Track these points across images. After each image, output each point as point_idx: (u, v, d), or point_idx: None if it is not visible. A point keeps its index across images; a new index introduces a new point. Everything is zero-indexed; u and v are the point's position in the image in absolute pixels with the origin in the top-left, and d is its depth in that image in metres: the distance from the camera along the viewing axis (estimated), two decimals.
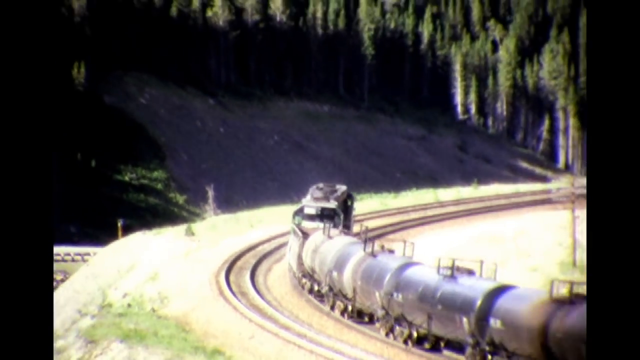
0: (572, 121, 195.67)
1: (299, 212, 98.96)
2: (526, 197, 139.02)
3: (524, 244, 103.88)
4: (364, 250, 76.73)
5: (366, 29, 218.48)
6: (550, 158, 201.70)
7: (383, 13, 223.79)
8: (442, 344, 65.18)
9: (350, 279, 75.95)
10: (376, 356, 64.21)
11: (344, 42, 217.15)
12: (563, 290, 57.48)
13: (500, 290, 60.45)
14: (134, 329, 77.95)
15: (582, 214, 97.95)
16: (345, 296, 77.22)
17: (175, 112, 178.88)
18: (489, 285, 61.85)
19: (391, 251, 78.50)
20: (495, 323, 58.05)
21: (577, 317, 53.10)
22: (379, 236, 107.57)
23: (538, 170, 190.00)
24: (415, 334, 66.00)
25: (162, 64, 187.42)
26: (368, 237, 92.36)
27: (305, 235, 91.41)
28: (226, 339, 71.30)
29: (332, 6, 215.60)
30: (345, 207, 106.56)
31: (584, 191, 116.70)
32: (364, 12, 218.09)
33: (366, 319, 74.32)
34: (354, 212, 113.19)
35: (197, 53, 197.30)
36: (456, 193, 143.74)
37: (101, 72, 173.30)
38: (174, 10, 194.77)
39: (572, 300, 55.39)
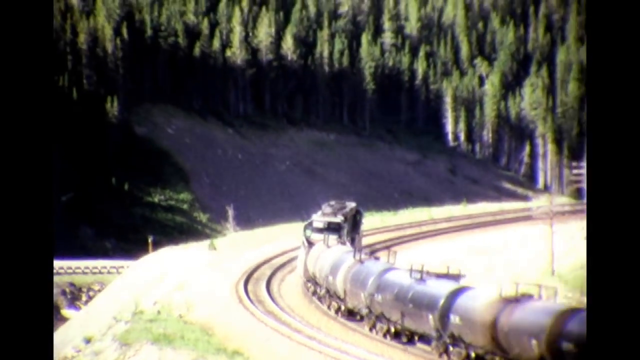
0: (550, 147, 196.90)
1: (309, 226, 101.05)
2: (509, 215, 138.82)
3: (507, 255, 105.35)
4: (354, 257, 79.18)
5: (367, 67, 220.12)
6: (530, 179, 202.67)
7: (382, 52, 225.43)
8: (416, 338, 67.51)
9: (342, 282, 78.22)
10: (377, 355, 65.18)
11: (348, 78, 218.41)
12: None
13: (460, 290, 64.24)
14: (163, 333, 78.85)
15: (559, 228, 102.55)
16: (338, 297, 79.50)
17: (199, 140, 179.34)
18: (450, 287, 65.35)
19: (377, 258, 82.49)
20: (454, 319, 61.70)
21: (522, 313, 58.41)
22: (386, 248, 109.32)
23: (520, 190, 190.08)
24: (392, 329, 68.99)
25: (186, 97, 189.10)
26: (361, 247, 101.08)
27: (311, 245, 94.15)
28: (245, 342, 72.36)
29: (337, 46, 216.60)
30: (355, 221, 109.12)
31: (562, 208, 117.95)
32: (365, 52, 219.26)
33: (358, 317, 75.77)
34: (362, 226, 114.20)
35: (218, 88, 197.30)
36: (447, 211, 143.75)
37: (132, 105, 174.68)
38: (197, 51, 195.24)
39: (518, 299, 59.78)
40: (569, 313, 59.72)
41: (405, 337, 68.77)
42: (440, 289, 65.55)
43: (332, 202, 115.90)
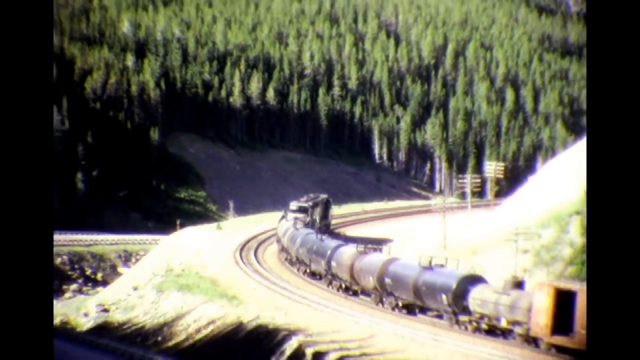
0: (443, 164, 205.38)
1: (287, 208, 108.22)
2: (416, 209, 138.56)
3: (414, 234, 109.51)
4: (316, 237, 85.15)
5: (323, 110, 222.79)
6: (430, 186, 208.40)
7: (332, 100, 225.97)
8: (359, 292, 73.86)
9: (307, 253, 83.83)
10: (320, 297, 71.42)
11: (310, 117, 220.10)
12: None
13: (392, 260, 69.62)
14: (185, 284, 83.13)
15: (449, 218, 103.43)
16: (305, 263, 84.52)
17: (210, 157, 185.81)
18: (383, 258, 71.30)
19: (334, 237, 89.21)
20: (334, 265, 74.22)
21: (366, 260, 69.88)
22: (335, 229, 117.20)
23: (423, 193, 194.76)
24: (343, 285, 75.25)
25: (203, 129, 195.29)
26: (330, 223, 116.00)
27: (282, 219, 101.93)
28: (239, 290, 76.82)
29: (303, 96, 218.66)
30: (326, 207, 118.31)
31: (450, 205, 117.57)
32: (321, 100, 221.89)
33: (318, 277, 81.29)
34: (332, 211, 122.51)
35: (224, 122, 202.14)
36: (375, 206, 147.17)
37: (167, 133, 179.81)
38: (210, 97, 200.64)
39: (366, 252, 71.46)
40: (390, 261, 70.06)
41: (352, 291, 74.35)
42: (375, 261, 71.06)
43: (311, 194, 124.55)
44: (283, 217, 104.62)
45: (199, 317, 71.90)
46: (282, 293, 73.97)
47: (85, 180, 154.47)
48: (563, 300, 52.08)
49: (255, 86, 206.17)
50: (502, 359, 50.73)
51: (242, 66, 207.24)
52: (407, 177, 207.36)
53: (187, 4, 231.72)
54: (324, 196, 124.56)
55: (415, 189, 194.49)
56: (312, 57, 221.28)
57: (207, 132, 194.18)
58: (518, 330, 55.49)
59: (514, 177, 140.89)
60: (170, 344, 69.43)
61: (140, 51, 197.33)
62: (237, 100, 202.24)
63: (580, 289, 51.22)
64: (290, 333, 59.47)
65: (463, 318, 60.33)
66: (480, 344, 53.80)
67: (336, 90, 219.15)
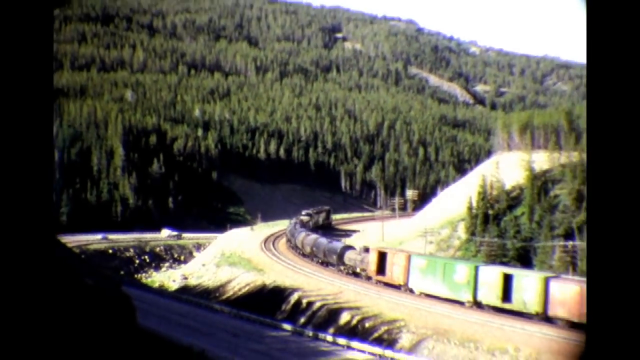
0: (382, 192, 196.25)
1: (299, 215, 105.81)
2: (367, 218, 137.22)
3: (366, 233, 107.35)
4: (308, 234, 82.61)
5: (312, 160, 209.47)
6: (374, 204, 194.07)
7: (317, 155, 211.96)
8: (328, 265, 71.12)
9: (302, 243, 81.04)
10: (309, 269, 69.17)
11: (304, 165, 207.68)
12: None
13: (347, 247, 70.43)
14: (232, 262, 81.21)
15: (386, 223, 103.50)
16: (301, 249, 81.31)
17: (247, 188, 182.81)
18: (341, 245, 71.81)
19: (320, 235, 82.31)
20: (346, 259, 68.72)
21: (366, 255, 63.65)
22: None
23: (371, 208, 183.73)
24: (321, 261, 73.30)
25: (243, 171, 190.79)
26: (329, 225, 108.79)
27: (297, 224, 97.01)
28: (265, 266, 74.41)
29: (301, 152, 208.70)
30: (327, 215, 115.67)
31: (387, 216, 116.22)
32: (311, 155, 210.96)
33: (310, 258, 77.46)
34: (332, 217, 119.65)
35: (255, 168, 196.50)
36: (343, 216, 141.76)
37: (222, 174, 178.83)
38: (247, 153, 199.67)
39: (366, 250, 66.12)
40: (346, 247, 70.75)
41: (326, 264, 72.12)
42: (337, 246, 71.37)
43: (317, 207, 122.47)
44: (293, 223, 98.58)
45: (240, 281, 71.26)
46: (287, 267, 72.66)
47: (174, 202, 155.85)
48: (382, 257, 60.35)
49: (272, 147, 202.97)
50: (359, 287, 58.98)
51: (265, 136, 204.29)
52: (361, 200, 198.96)
53: (233, 99, 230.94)
54: (326, 207, 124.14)
55: (366, 206, 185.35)
56: (305, 130, 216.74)
57: (245, 173, 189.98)
58: (364, 273, 63.70)
59: (423, 199, 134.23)
60: (224, 297, 68.91)
61: (206, 126, 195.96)
62: (262, 155, 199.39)
63: (389, 250, 61.42)
64: (293, 290, 60.29)
65: (343, 268, 67.62)
66: (352, 281, 62.51)
67: (320, 149, 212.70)
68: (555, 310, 42.92)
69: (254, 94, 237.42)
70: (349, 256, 66.05)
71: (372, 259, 60.59)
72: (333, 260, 68.74)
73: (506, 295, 46.46)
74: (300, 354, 40.12)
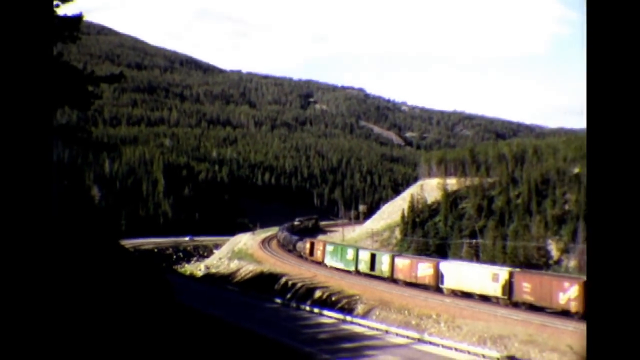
0: (343, 207, 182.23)
1: (292, 221, 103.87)
2: (333, 225, 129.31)
3: (333, 235, 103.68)
4: (296, 236, 79.68)
5: (293, 186, 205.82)
6: (337, 216, 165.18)
7: (298, 182, 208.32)
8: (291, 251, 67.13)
9: (287, 241, 78.03)
10: (294, 260, 66.08)
11: (289, 189, 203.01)
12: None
13: (299, 240, 71.46)
14: (240, 256, 78.41)
15: (346, 229, 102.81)
16: (288, 246, 78.36)
17: (250, 206, 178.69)
18: (296, 238, 71.84)
19: (302, 238, 78.42)
20: (297, 247, 68.74)
21: (306, 244, 64.13)
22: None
23: (335, 219, 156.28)
24: (302, 254, 69.18)
25: (248, 195, 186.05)
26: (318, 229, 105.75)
27: (289, 229, 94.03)
28: (263, 259, 71.42)
29: (286, 181, 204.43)
30: (317, 222, 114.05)
31: (347, 223, 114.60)
32: (294, 182, 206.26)
33: (296, 253, 73.60)
34: (320, 223, 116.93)
35: (255, 192, 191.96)
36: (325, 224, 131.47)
37: (236, 199, 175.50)
38: (249, 181, 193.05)
39: (302, 238, 66.46)
40: (298, 240, 70.71)
41: (304, 255, 68.68)
42: (294, 239, 72.48)
43: (307, 216, 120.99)
44: (280, 229, 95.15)
45: (246, 269, 68.67)
46: (277, 259, 70.16)
47: (199, 216, 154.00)
48: (312, 245, 63.84)
49: (267, 177, 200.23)
50: (307, 266, 59.53)
51: (261, 169, 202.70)
52: (328, 212, 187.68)
53: (239, 144, 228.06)
54: (315, 216, 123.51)
55: (331, 217, 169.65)
56: (289, 165, 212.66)
57: (248, 195, 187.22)
58: (304, 255, 65.91)
59: (371, 211, 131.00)
60: (234, 281, 66.32)
61: (221, 163, 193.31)
62: (259, 182, 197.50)
63: (316, 241, 64.17)
64: (282, 275, 58.17)
65: (296, 253, 69.04)
66: (303, 263, 62.63)
67: (299, 178, 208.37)
68: (397, 274, 49.06)
69: (253, 141, 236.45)
70: (299, 245, 69.63)
71: (307, 246, 65.54)
72: (292, 248, 72.23)
73: (372, 266, 52.10)
74: (288, 318, 39.97)
